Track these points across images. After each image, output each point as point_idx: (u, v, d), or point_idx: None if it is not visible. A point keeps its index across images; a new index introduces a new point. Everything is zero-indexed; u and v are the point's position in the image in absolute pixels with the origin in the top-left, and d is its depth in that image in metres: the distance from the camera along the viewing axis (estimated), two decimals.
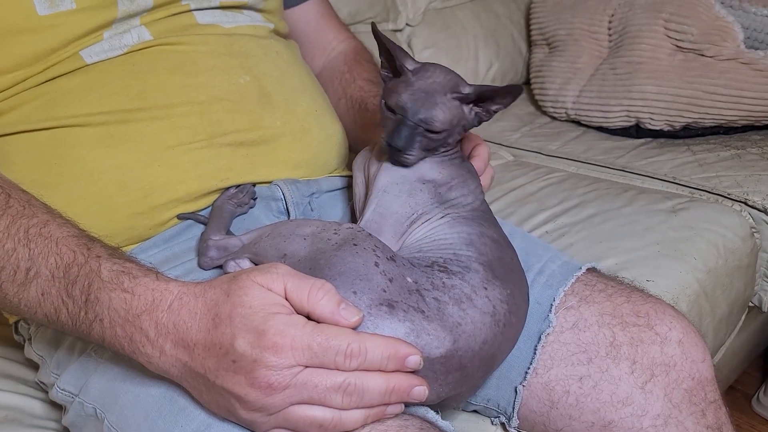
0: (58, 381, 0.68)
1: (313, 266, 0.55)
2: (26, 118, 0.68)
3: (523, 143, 1.44)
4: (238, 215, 0.72)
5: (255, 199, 0.74)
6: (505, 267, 0.61)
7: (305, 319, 0.48)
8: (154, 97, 0.70)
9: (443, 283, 0.56)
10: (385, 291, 0.53)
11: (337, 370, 0.47)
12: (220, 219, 0.68)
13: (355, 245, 0.55)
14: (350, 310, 0.49)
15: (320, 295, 0.48)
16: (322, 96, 0.86)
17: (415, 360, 0.49)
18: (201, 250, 0.65)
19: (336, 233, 0.57)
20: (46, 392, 0.74)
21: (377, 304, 0.52)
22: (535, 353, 0.66)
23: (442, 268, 0.57)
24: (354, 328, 0.49)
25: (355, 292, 0.52)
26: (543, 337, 0.66)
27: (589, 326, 0.66)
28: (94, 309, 0.51)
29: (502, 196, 1.17)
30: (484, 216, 0.65)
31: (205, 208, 0.73)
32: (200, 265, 0.65)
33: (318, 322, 0.48)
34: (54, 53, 0.67)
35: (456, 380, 0.55)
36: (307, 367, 0.47)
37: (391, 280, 0.54)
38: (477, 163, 0.71)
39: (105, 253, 0.53)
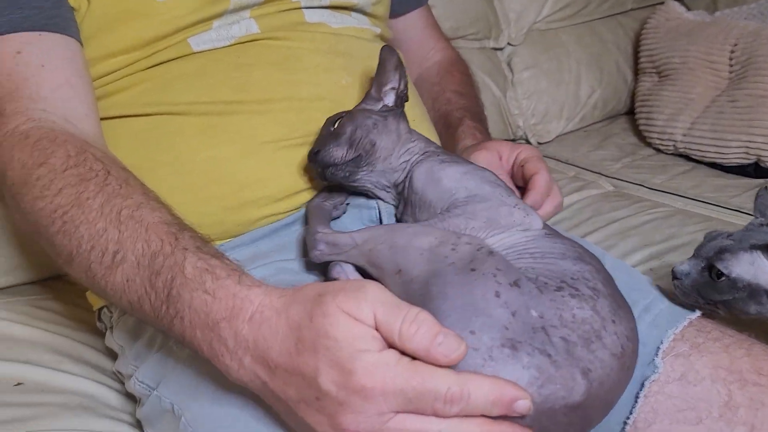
0: (137, 372, 0.68)
1: (424, 293, 0.50)
2: (133, 102, 0.69)
3: (624, 174, 1.36)
4: (333, 218, 0.69)
5: (347, 204, 0.71)
6: (618, 293, 0.56)
7: (397, 356, 0.43)
8: (256, 90, 0.69)
9: (573, 316, 0.50)
10: (507, 328, 0.47)
11: (434, 416, 0.42)
12: (321, 215, 0.65)
13: (473, 270, 0.50)
14: (449, 344, 0.43)
15: (413, 329, 0.43)
16: (419, 106, 0.84)
17: (524, 405, 0.43)
18: (310, 244, 0.61)
19: (454, 249, 0.52)
20: (123, 383, 0.74)
21: (498, 345, 0.46)
22: (636, 402, 0.59)
23: (573, 292, 0.51)
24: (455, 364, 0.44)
25: (473, 332, 0.46)
26: (647, 383, 0.60)
27: (700, 380, 0.59)
28: (176, 305, 0.49)
29: (601, 227, 1.10)
30: (550, 233, 0.61)
31: (295, 210, 0.71)
32: (312, 259, 0.60)
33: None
34: (164, 39, 0.68)
35: (575, 431, 0.49)
36: (399, 412, 0.42)
37: (513, 314, 0.48)
38: (532, 196, 0.68)
39: (192, 246, 0.52)
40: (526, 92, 1.54)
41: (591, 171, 1.38)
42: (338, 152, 0.64)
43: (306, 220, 0.67)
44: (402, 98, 0.69)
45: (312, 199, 0.69)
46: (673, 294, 0.64)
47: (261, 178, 0.68)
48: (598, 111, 1.64)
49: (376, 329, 0.44)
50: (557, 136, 1.57)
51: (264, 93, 0.70)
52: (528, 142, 1.53)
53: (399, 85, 0.69)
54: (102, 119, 0.69)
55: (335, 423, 0.43)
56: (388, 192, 0.68)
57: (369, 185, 0.67)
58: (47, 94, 0.63)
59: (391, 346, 0.44)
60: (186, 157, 0.68)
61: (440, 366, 0.43)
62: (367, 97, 0.69)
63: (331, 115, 0.68)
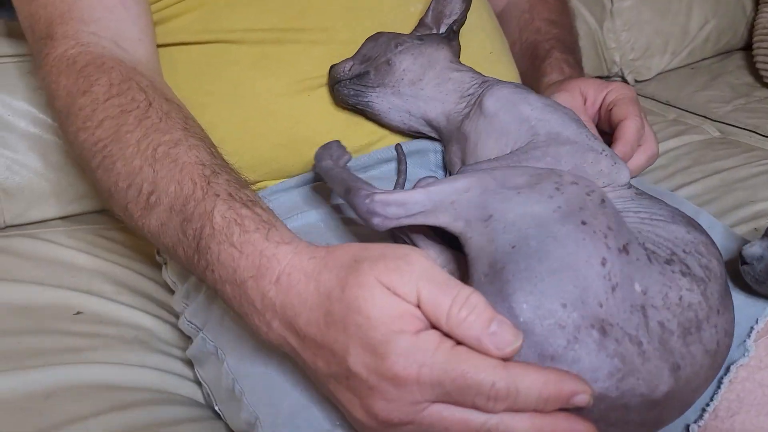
0: (186, 311, 0.67)
1: (518, 245, 0.41)
2: (189, 28, 0.66)
3: (733, 118, 1.21)
4: None
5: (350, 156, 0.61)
6: (727, 277, 0.47)
7: (438, 340, 0.37)
8: (315, 18, 0.64)
9: (680, 298, 0.42)
10: (602, 306, 0.39)
11: (476, 409, 0.37)
12: (343, 174, 0.52)
13: (585, 223, 0.41)
14: (503, 335, 0.37)
15: (464, 313, 0.37)
16: (500, 38, 0.75)
17: (582, 400, 0.37)
18: (365, 208, 0.46)
19: (558, 188, 0.43)
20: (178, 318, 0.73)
21: (588, 325, 0.39)
22: (719, 388, 0.52)
23: (685, 269, 0.43)
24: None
25: (564, 305, 0.39)
26: (734, 368, 0.52)
27: None
28: (206, 257, 0.46)
29: (700, 179, 0.98)
30: (647, 194, 0.52)
31: (354, 153, 0.66)
32: (375, 227, 0.46)
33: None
34: None
35: (645, 429, 0.43)
36: (436, 402, 0.37)
37: (614, 288, 0.40)
38: (620, 147, 0.57)
39: (225, 192, 0.48)
40: (626, 23, 1.39)
41: (695, 114, 1.24)
42: (345, 66, 0.60)
43: (336, 185, 0.52)
44: (451, 28, 0.62)
45: (318, 163, 0.57)
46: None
47: (316, 114, 0.64)
48: (709, 45, 1.47)
49: (419, 307, 0.38)
50: (658, 74, 1.42)
51: (324, 20, 0.64)
52: (624, 80, 1.40)
53: (456, 14, 0.61)
54: (159, 47, 0.66)
55: (366, 406, 0.38)
56: (420, 125, 0.62)
57: (385, 110, 0.61)
58: (99, 15, 0.60)
59: (435, 328, 0.38)
60: (241, 90, 0.64)
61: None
62: (419, 23, 0.63)
63: None
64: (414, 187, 0.48)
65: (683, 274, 0.43)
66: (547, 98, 0.57)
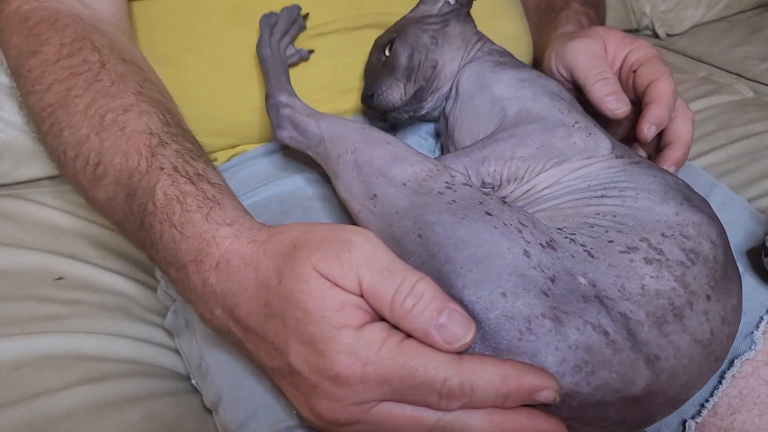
0: (163, 280, 0.65)
1: (424, 234, 0.38)
2: None
3: None
4: (292, 62, 0.58)
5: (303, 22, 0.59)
6: (729, 257, 0.43)
7: (384, 335, 0.34)
8: None
9: (642, 288, 0.38)
10: (546, 294, 0.36)
11: (427, 407, 0.34)
12: (276, 71, 0.54)
13: (490, 214, 0.38)
14: (453, 328, 0.33)
15: (409, 304, 0.33)
16: None
17: (547, 396, 0.34)
18: (273, 118, 0.51)
19: (450, 187, 0.40)
20: None
21: (538, 314, 0.35)
22: (720, 383, 0.48)
23: (651, 256, 0.39)
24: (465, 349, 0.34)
25: (504, 294, 0.35)
26: (738, 362, 0.47)
27: None
28: (150, 236, 0.43)
29: (727, 144, 0.92)
30: (645, 163, 0.47)
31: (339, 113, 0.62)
32: (277, 138, 0.51)
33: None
34: None
35: (627, 430, 0.39)
36: (384, 401, 0.34)
37: (553, 280, 0.37)
38: (655, 111, 0.50)
39: (170, 165, 0.44)
40: None
41: (728, 71, 1.15)
42: (396, 93, 0.53)
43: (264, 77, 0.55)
44: None
45: (258, 44, 0.57)
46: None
47: (298, 75, 0.59)
48: None
49: (363, 296, 0.35)
50: (692, 27, 1.33)
51: None
52: (655, 34, 1.31)
53: None
54: (134, 0, 0.62)
55: (310, 405, 0.35)
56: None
57: (431, 110, 0.56)
58: None
59: (382, 319, 0.35)
60: (218, 47, 0.60)
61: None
62: None
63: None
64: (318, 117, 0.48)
65: (647, 261, 0.39)
66: (527, 72, 0.52)
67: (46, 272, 0.70)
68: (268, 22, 0.57)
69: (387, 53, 0.54)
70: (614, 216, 0.42)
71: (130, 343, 0.65)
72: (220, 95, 0.60)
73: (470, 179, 0.46)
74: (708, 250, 0.41)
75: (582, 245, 0.39)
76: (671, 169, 0.52)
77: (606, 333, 0.36)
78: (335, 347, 0.33)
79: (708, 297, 0.39)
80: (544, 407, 0.35)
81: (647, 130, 0.50)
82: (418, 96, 0.54)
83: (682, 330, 0.38)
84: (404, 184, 0.41)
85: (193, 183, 0.43)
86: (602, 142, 0.47)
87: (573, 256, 0.38)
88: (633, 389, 0.36)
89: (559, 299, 0.36)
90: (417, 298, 0.33)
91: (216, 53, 0.60)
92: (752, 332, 0.48)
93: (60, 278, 0.71)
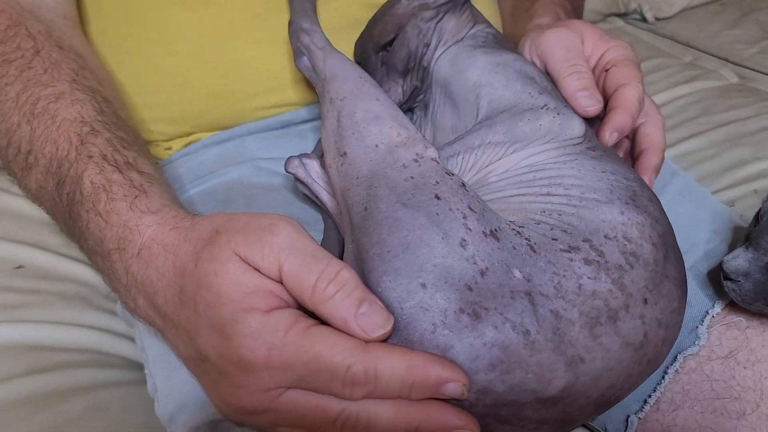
0: None
1: (369, 207, 0.38)
2: None
3: (757, 62, 1.10)
4: None
5: None
6: (674, 259, 0.42)
7: (292, 320, 0.33)
8: None
9: (579, 287, 0.37)
10: (471, 289, 0.35)
11: (334, 396, 0.33)
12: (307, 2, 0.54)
13: (439, 198, 0.38)
14: (372, 318, 0.33)
15: (331, 290, 0.33)
16: None
17: (454, 390, 0.33)
18: (294, 45, 0.51)
19: (417, 161, 0.40)
20: None
21: (456, 309, 0.35)
22: (663, 378, 0.47)
23: (592, 257, 0.38)
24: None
25: (424, 285, 0.35)
26: (681, 357, 0.47)
27: (755, 362, 0.45)
28: (78, 225, 0.43)
29: (705, 131, 0.90)
30: (605, 155, 0.46)
31: (291, 106, 0.61)
32: (296, 65, 0.51)
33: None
34: None
35: (550, 430, 0.38)
36: (291, 388, 0.34)
37: (483, 273, 0.36)
38: (617, 117, 0.48)
39: (99, 154, 0.43)
40: None
41: (715, 56, 1.13)
42: (395, 96, 0.54)
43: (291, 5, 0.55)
44: None
45: None
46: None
47: (250, 59, 0.59)
48: None
49: (282, 283, 0.34)
50: (682, 10, 1.29)
51: None
52: (643, 18, 1.28)
53: None
54: None
55: (218, 392, 0.35)
56: None
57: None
58: None
59: (300, 306, 0.35)
60: (170, 33, 0.59)
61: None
62: None
63: None
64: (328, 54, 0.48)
65: (587, 262, 0.38)
66: (504, 55, 0.51)
67: (5, 261, 0.70)
68: None
69: (386, 52, 0.54)
70: (560, 215, 0.41)
71: (86, 332, 0.64)
72: (173, 83, 0.60)
73: None
74: (649, 253, 0.40)
75: (527, 239, 0.39)
76: (651, 176, 0.51)
77: (527, 332, 0.35)
78: (241, 331, 0.33)
79: (645, 300, 0.38)
80: (458, 403, 0.35)
81: (609, 136, 0.48)
82: (414, 94, 0.54)
83: (615, 332, 0.37)
84: (376, 146, 0.41)
85: (120, 172, 0.43)
86: (571, 122, 0.46)
87: (515, 248, 0.37)
88: (550, 390, 0.35)
89: (484, 294, 0.35)
90: (340, 285, 0.33)
91: (168, 40, 0.59)
92: (697, 327, 0.47)
93: (20, 267, 0.70)
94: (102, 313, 0.68)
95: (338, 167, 0.42)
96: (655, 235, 0.41)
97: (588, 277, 0.37)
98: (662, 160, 0.52)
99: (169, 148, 0.63)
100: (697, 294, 0.48)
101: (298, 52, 0.51)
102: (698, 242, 0.52)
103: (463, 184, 0.39)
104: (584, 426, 0.53)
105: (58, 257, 0.72)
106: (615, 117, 0.48)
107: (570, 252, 0.38)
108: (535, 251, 0.38)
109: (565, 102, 0.49)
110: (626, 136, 0.54)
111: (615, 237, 0.39)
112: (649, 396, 0.47)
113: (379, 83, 0.52)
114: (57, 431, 0.51)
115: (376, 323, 0.33)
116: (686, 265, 0.48)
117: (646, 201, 0.43)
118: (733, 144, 0.86)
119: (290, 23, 0.52)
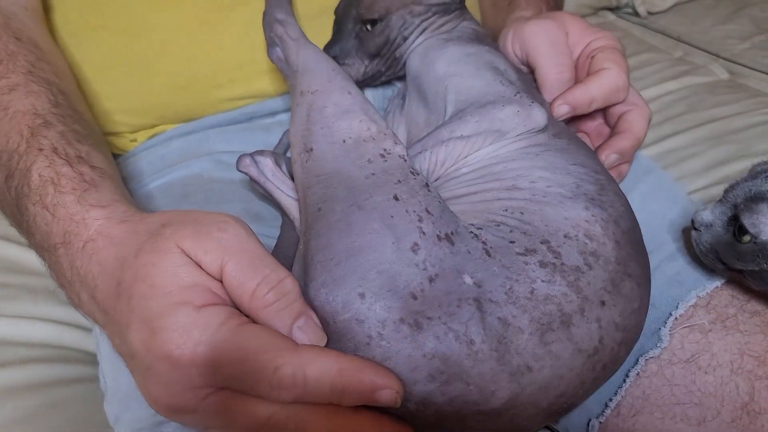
0: None
1: (324, 208, 0.37)
2: None
3: (749, 57, 1.08)
4: None
5: None
6: (638, 257, 0.41)
7: (224, 317, 0.32)
8: None
9: (531, 291, 0.36)
10: (415, 297, 0.34)
11: (262, 398, 0.32)
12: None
13: (397, 199, 0.36)
14: (308, 334, 0.33)
15: (271, 297, 0.32)
16: None
17: (388, 396, 0.32)
18: (267, 36, 0.50)
19: (383, 156, 0.39)
20: None
21: (396, 319, 0.33)
22: (625, 381, 0.46)
23: (548, 259, 0.37)
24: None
25: (362, 295, 0.34)
26: (642, 360, 0.45)
27: (716, 367, 0.44)
28: (26, 219, 0.41)
29: (691, 128, 0.88)
30: (575, 147, 0.45)
31: (255, 98, 0.60)
32: (269, 56, 0.50)
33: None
34: None
35: None
36: (222, 388, 0.32)
37: (432, 279, 0.34)
38: (574, 92, 0.49)
39: (49, 147, 0.42)
40: None
41: (705, 51, 1.11)
42: (353, 71, 0.53)
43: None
44: None
45: None
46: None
47: (213, 50, 0.58)
48: None
49: (222, 282, 0.33)
50: (675, 4, 1.27)
51: None
52: (635, 12, 1.26)
53: None
54: None
55: (147, 390, 0.34)
56: None
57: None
58: None
59: (238, 308, 0.34)
60: (135, 25, 0.58)
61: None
62: None
63: None
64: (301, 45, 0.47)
65: (542, 265, 0.36)
66: (475, 46, 0.50)
67: None
68: None
69: (365, 29, 0.52)
70: (522, 213, 0.40)
71: (50, 327, 0.64)
72: (136, 73, 0.59)
73: None
74: (611, 251, 0.39)
75: (483, 242, 0.37)
76: (611, 158, 0.50)
77: (471, 342, 0.34)
78: (169, 325, 0.32)
79: (603, 303, 0.37)
80: (398, 413, 0.33)
81: (558, 107, 0.48)
82: (374, 77, 0.54)
83: (567, 338, 0.36)
84: (343, 141, 0.40)
85: (71, 165, 0.42)
86: (534, 113, 0.45)
87: (469, 252, 0.36)
88: (493, 402, 0.34)
89: (429, 302, 0.34)
90: (281, 294, 0.33)
91: (130, 30, 0.58)
92: (659, 329, 0.46)
93: None
94: (68, 307, 0.66)
95: (303, 163, 0.41)
96: (620, 232, 0.40)
97: (542, 281, 0.36)
98: (634, 147, 0.51)
99: (135, 140, 0.62)
100: (662, 294, 0.47)
101: (271, 42, 0.50)
102: (665, 241, 0.50)
103: (427, 185, 0.38)
104: (547, 428, 0.52)
105: (26, 250, 0.71)
106: (572, 91, 0.49)
107: (526, 255, 0.37)
108: (490, 255, 0.37)
109: (535, 92, 0.49)
110: (607, 123, 0.54)
111: (576, 236, 0.38)
112: (610, 400, 0.46)
113: (345, 51, 0.51)
114: (10, 427, 0.51)
115: (310, 340, 0.33)
116: (652, 265, 0.48)
117: (612, 195, 0.42)
118: (718, 141, 0.84)
119: (265, 13, 0.51)
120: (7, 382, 0.55)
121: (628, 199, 0.53)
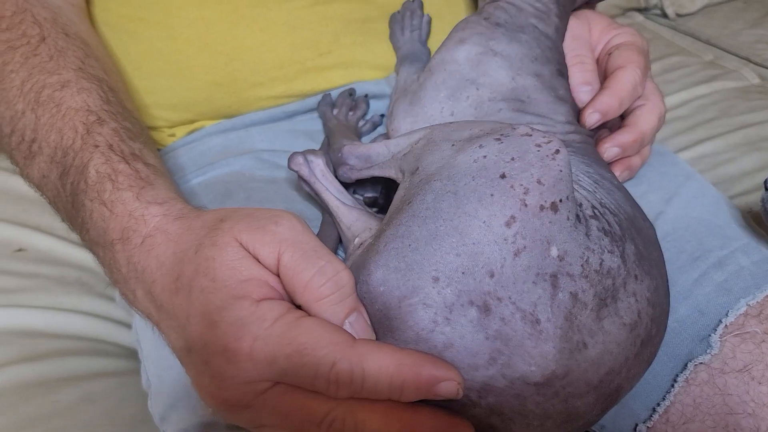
0: None
1: (414, 201, 0.35)
2: None
3: None
4: (365, 129, 0.58)
5: (382, 116, 0.59)
6: (643, 237, 0.40)
7: (282, 311, 0.32)
8: None
9: (601, 263, 0.35)
10: (492, 275, 0.33)
11: (319, 394, 0.32)
12: (346, 130, 0.54)
13: (504, 177, 0.34)
14: (357, 330, 0.32)
15: (326, 290, 0.32)
16: None
17: (449, 389, 0.31)
18: (336, 161, 0.48)
19: (499, 138, 0.36)
20: None
21: (464, 302, 0.32)
22: (673, 386, 0.45)
23: (605, 226, 0.36)
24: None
25: (436, 279, 0.33)
26: (691, 365, 0.45)
27: None
28: (81, 215, 0.41)
29: (723, 134, 0.87)
30: (588, 149, 0.46)
31: (296, 97, 0.59)
32: (341, 177, 0.47)
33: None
34: None
35: (549, 428, 0.36)
36: (277, 383, 0.32)
37: (517, 254, 0.33)
38: (602, 98, 0.49)
39: (105, 143, 0.42)
40: None
41: (736, 55, 1.10)
42: None
43: (328, 141, 0.55)
44: None
45: (328, 116, 0.57)
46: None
47: (254, 47, 0.57)
48: None
49: (278, 275, 0.33)
50: (705, 6, 1.26)
51: None
52: (664, 14, 1.25)
53: None
54: None
55: (202, 385, 0.33)
56: None
57: None
58: None
59: (292, 300, 0.33)
60: (174, 19, 0.58)
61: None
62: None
63: None
64: (375, 140, 0.48)
65: (605, 232, 0.36)
66: (491, 42, 0.49)
67: (6, 244, 0.69)
68: (326, 103, 0.58)
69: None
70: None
71: (84, 319, 0.64)
72: (174, 68, 0.58)
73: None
74: (627, 224, 0.39)
75: (579, 205, 0.36)
76: (611, 151, 0.50)
77: (536, 321, 0.33)
78: (227, 318, 0.31)
79: (636, 277, 0.37)
80: (460, 403, 0.33)
81: (588, 116, 0.48)
82: None
83: (615, 313, 0.35)
84: (453, 144, 0.38)
85: (127, 162, 0.41)
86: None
87: (568, 219, 0.34)
88: (553, 382, 0.33)
89: (504, 281, 0.33)
90: (337, 287, 0.32)
91: (168, 23, 0.58)
92: (709, 335, 0.45)
93: (20, 250, 0.69)
94: (102, 299, 0.67)
95: (403, 186, 0.39)
96: (627, 206, 0.41)
97: (608, 251, 0.35)
98: (637, 141, 0.50)
99: (173, 135, 0.62)
100: (710, 302, 0.46)
101: (338, 164, 0.48)
102: (711, 248, 0.49)
103: (559, 150, 0.35)
104: None
105: (61, 241, 0.71)
106: (601, 98, 0.49)
107: (597, 220, 0.36)
108: (579, 221, 0.35)
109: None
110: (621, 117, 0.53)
111: (609, 206, 0.39)
112: (658, 404, 0.45)
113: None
114: (46, 422, 0.50)
115: (359, 338, 0.32)
116: (698, 272, 0.48)
117: (610, 176, 0.43)
118: (752, 148, 0.84)
119: (330, 152, 0.49)
120: (44, 375, 0.55)
121: (671, 204, 0.53)
